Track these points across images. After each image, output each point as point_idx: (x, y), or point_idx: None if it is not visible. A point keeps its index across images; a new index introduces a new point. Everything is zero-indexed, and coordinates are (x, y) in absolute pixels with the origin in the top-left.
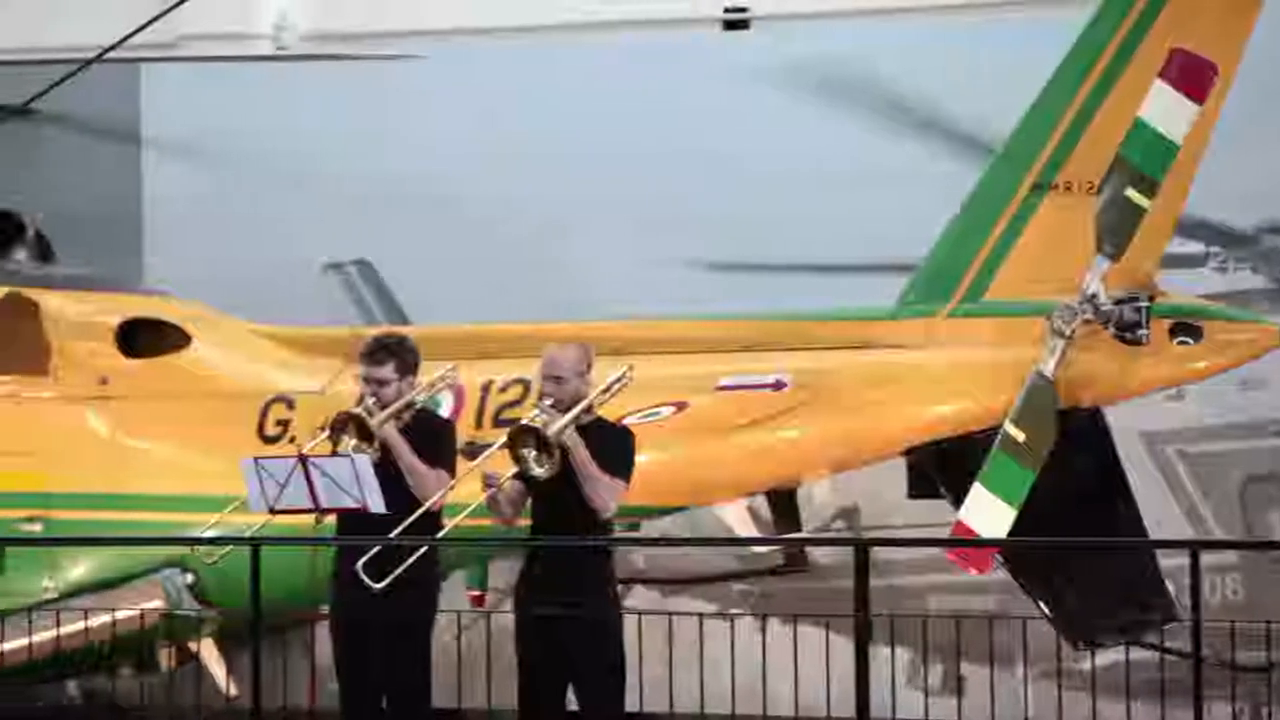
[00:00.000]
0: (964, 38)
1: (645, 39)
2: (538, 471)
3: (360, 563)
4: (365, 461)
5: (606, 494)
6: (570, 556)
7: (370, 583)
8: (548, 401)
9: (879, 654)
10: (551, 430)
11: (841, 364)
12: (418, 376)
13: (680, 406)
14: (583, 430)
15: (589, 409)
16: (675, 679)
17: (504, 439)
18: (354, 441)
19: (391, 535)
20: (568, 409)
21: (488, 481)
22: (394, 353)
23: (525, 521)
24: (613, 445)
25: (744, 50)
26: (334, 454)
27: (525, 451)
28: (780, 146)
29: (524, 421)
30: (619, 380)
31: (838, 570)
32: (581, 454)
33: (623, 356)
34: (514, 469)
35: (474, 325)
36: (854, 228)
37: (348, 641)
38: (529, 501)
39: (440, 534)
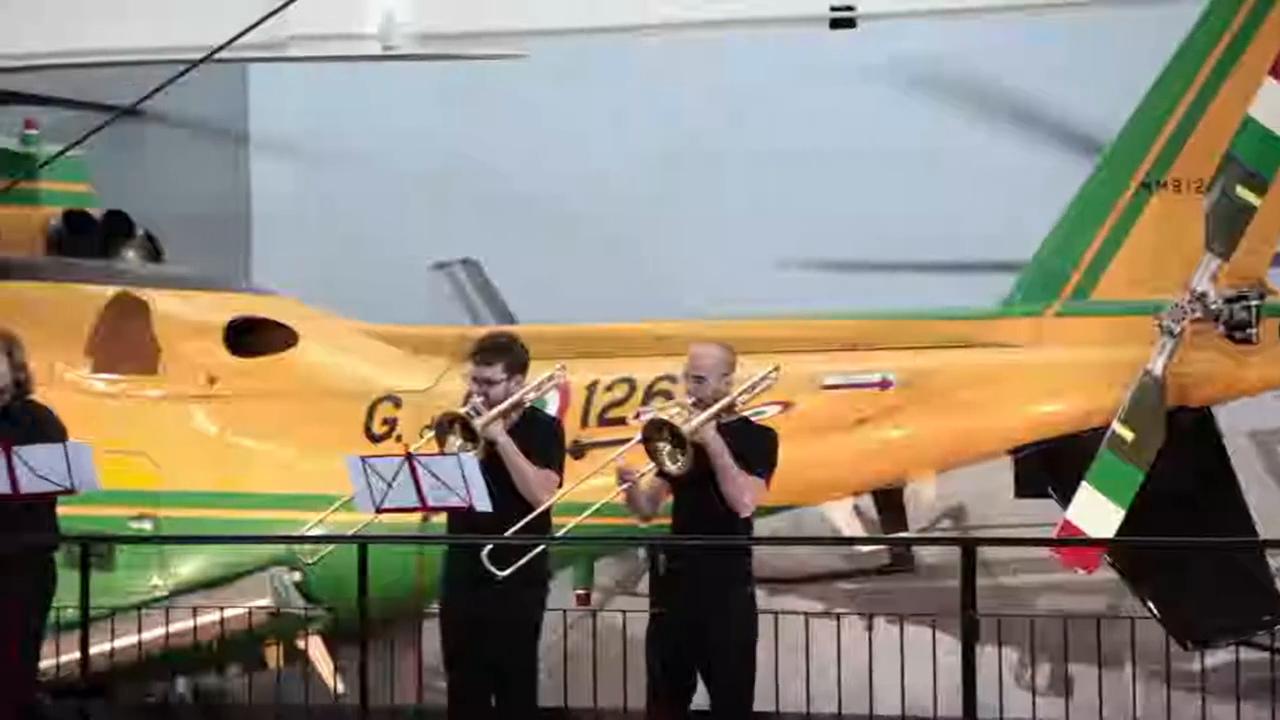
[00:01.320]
0: (1069, 35)
1: (750, 38)
2: (671, 467)
3: (485, 551)
4: (472, 461)
5: (745, 493)
6: (709, 556)
7: (494, 570)
8: (690, 400)
9: (986, 654)
10: (688, 427)
11: (948, 363)
12: (526, 376)
13: (786, 406)
14: (725, 429)
15: (731, 407)
16: (781, 678)
17: (640, 433)
18: (460, 442)
19: (508, 534)
20: (708, 407)
21: (623, 477)
22: (503, 352)
23: (661, 520)
24: (754, 444)
25: (850, 49)
26: (441, 453)
27: (660, 446)
28: (885, 145)
29: (660, 416)
30: (763, 379)
31: (944, 570)
32: (721, 452)
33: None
34: (650, 466)
35: (579, 324)
36: (958, 226)
37: (458, 640)
38: (669, 499)
39: (559, 533)
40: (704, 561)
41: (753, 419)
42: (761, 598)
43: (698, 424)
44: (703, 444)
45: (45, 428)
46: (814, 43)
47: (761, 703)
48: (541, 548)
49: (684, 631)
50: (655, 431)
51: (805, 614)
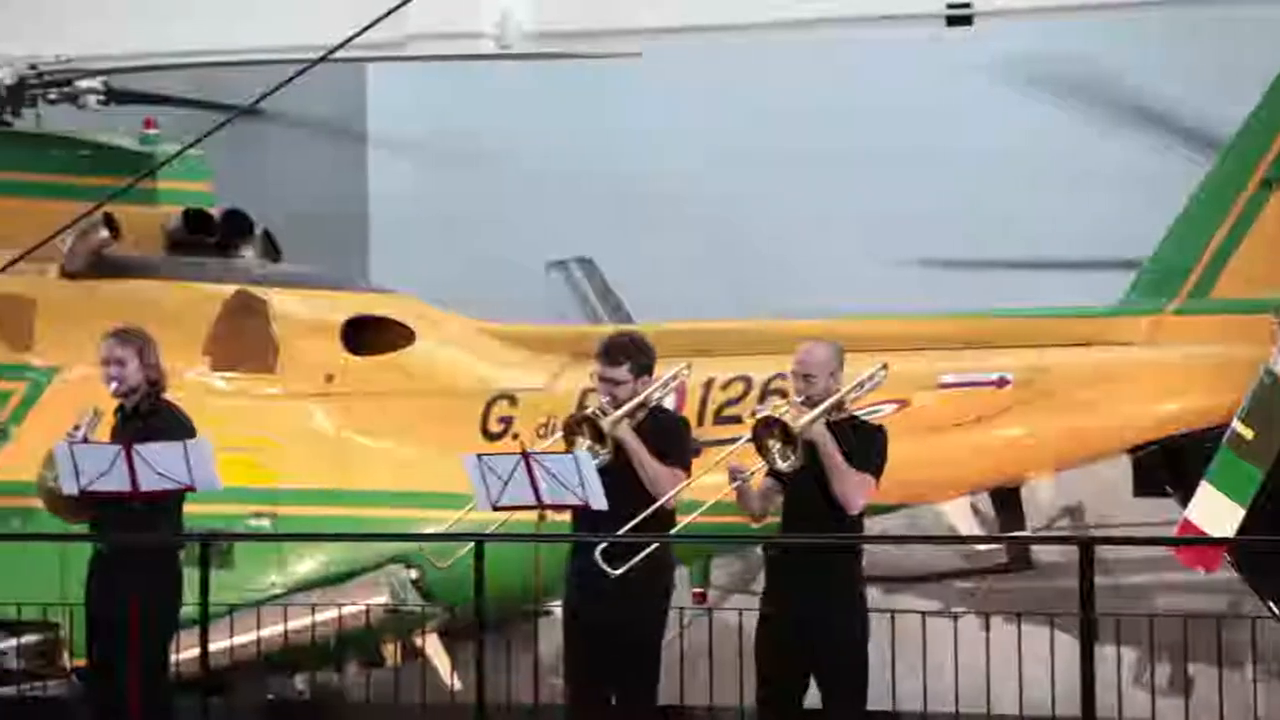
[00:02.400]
0: (1188, 33)
1: (867, 35)
2: (781, 465)
3: (599, 549)
4: (588, 459)
5: (855, 491)
6: (820, 554)
7: (607, 568)
8: (799, 398)
9: (1104, 653)
10: (797, 425)
11: (1065, 361)
12: (653, 376)
13: (902, 404)
14: (834, 427)
15: (840, 406)
16: (898, 677)
17: (750, 431)
18: (588, 443)
19: (621, 532)
20: (816, 405)
21: (734, 475)
22: (629, 352)
23: (771, 519)
24: (862, 442)
25: (967, 46)
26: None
27: (770, 444)
28: (1002, 143)
29: (769, 414)
30: (871, 378)
31: (1062, 569)
32: (830, 450)
33: (845, 353)
34: (761, 464)
35: (695, 323)
36: (1076, 224)
37: (579, 638)
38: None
39: (669, 531)
40: (814, 560)
41: (862, 417)
42: (878, 596)
43: (807, 422)
44: (812, 442)
45: (175, 428)
46: (930, 40)
47: (877, 702)
48: (654, 545)
49: (794, 630)
50: (765, 430)
51: (922, 613)
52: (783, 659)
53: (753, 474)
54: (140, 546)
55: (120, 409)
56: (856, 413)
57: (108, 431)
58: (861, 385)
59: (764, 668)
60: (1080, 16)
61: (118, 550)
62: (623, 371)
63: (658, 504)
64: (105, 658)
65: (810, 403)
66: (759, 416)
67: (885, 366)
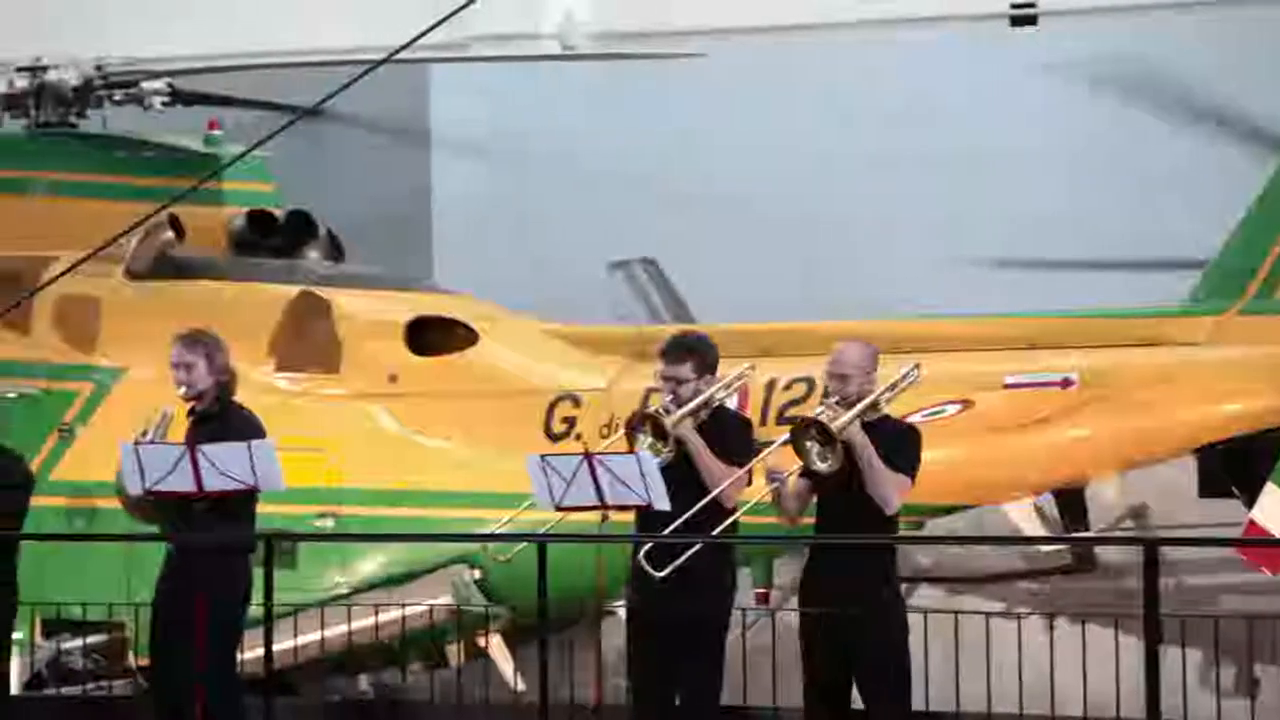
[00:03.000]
0: (1254, 32)
1: (931, 35)
2: (820, 467)
3: (642, 552)
4: (651, 460)
5: (891, 490)
6: (854, 553)
7: (652, 571)
8: (833, 399)
9: (1169, 654)
10: (836, 425)
11: (1130, 362)
12: (716, 375)
13: (966, 404)
14: (868, 427)
15: (875, 406)
16: (962, 678)
17: (787, 434)
18: (650, 440)
19: (667, 531)
20: (852, 406)
21: (771, 477)
22: (692, 351)
23: (808, 520)
24: (898, 442)
25: (1031, 46)
26: (631, 450)
27: (809, 446)
28: (1067, 143)
29: (808, 415)
30: (905, 378)
31: (1126, 570)
32: (867, 450)
33: (908, 355)
34: (797, 465)
35: (758, 323)
36: (1141, 225)
37: (642, 638)
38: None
39: (734, 531)
40: (851, 560)
41: (893, 417)
42: (942, 597)
43: (845, 422)
44: (849, 443)
45: (245, 430)
46: (994, 40)
47: (941, 703)
48: (697, 547)
49: (832, 631)
50: (803, 431)
51: (986, 614)
52: (822, 660)
53: (790, 475)
54: (208, 547)
55: (192, 411)
56: (919, 412)
57: (181, 434)
58: (895, 386)
59: (809, 668)
60: (1145, 16)
61: (187, 551)
62: (685, 370)
63: (704, 500)
64: (170, 658)
65: (845, 403)
66: (799, 418)
67: (918, 366)
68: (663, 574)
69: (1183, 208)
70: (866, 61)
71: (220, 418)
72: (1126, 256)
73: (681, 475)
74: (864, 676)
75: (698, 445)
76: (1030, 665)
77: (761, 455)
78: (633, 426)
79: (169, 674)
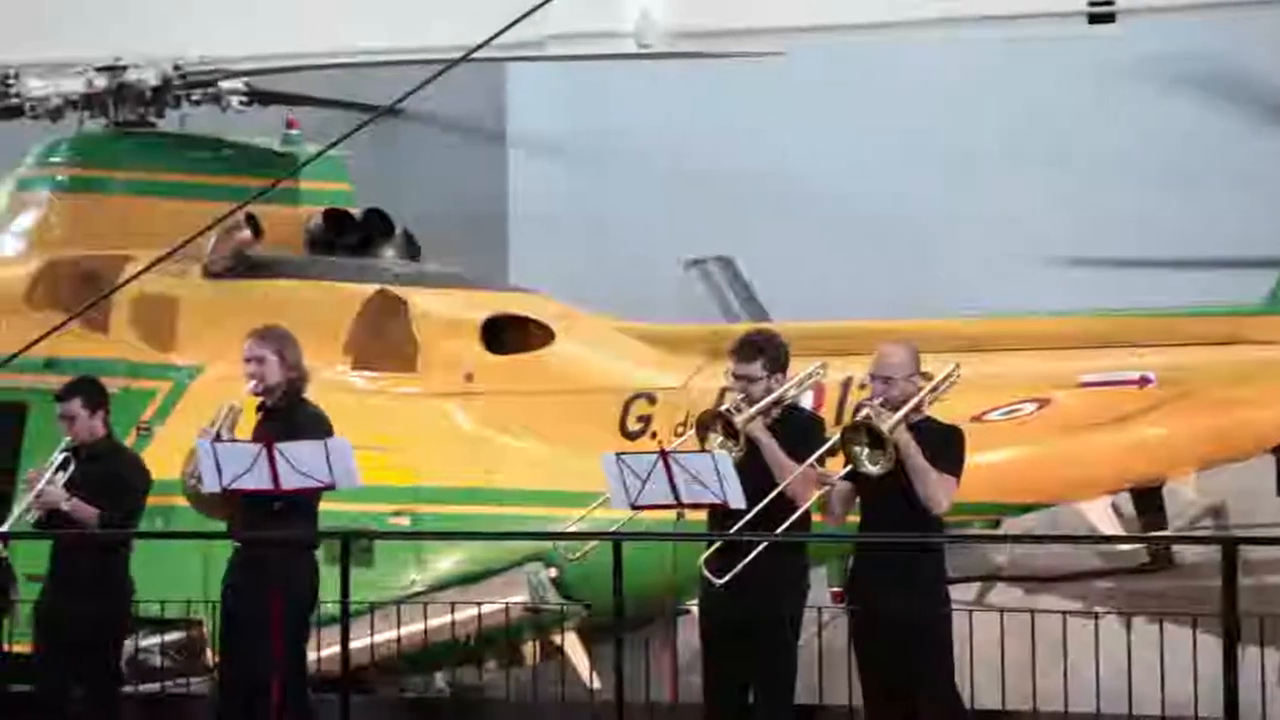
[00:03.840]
0: None
1: (1008, 33)
2: (871, 469)
3: (703, 558)
4: (726, 458)
5: (940, 491)
6: (904, 555)
7: (712, 578)
8: (877, 401)
9: (1247, 654)
10: (885, 427)
11: (1209, 360)
12: (787, 373)
13: (1043, 403)
14: (913, 429)
15: (919, 407)
16: (1038, 677)
17: (836, 437)
18: (720, 438)
19: (731, 530)
20: (897, 408)
21: (822, 480)
22: (762, 349)
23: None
24: (942, 443)
25: (1109, 43)
26: (703, 449)
27: (858, 450)
28: (1143, 141)
29: (858, 418)
30: (946, 379)
31: (1204, 569)
32: (913, 451)
33: (984, 353)
34: (844, 468)
35: (833, 321)
36: (1220, 223)
37: (715, 637)
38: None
39: (779, 530)
40: (900, 562)
41: (935, 418)
42: (1018, 596)
43: (894, 424)
44: (895, 444)
45: (314, 427)
46: (1072, 38)
47: (1017, 701)
48: (762, 547)
49: (881, 632)
50: (853, 434)
51: (1063, 613)
52: (874, 659)
53: (840, 478)
54: (279, 544)
55: (261, 407)
56: (995, 411)
57: (248, 430)
58: (938, 386)
59: (862, 668)
60: (1224, 13)
61: (258, 548)
62: (756, 368)
63: (763, 502)
64: (240, 655)
65: (889, 405)
66: (849, 423)
67: (958, 366)
68: (722, 581)
69: (1260, 206)
70: (944, 59)
71: (289, 414)
72: (1202, 255)
73: (752, 473)
74: (914, 677)
75: (769, 443)
76: (1107, 664)
77: (810, 459)
78: (704, 425)
79: (240, 671)
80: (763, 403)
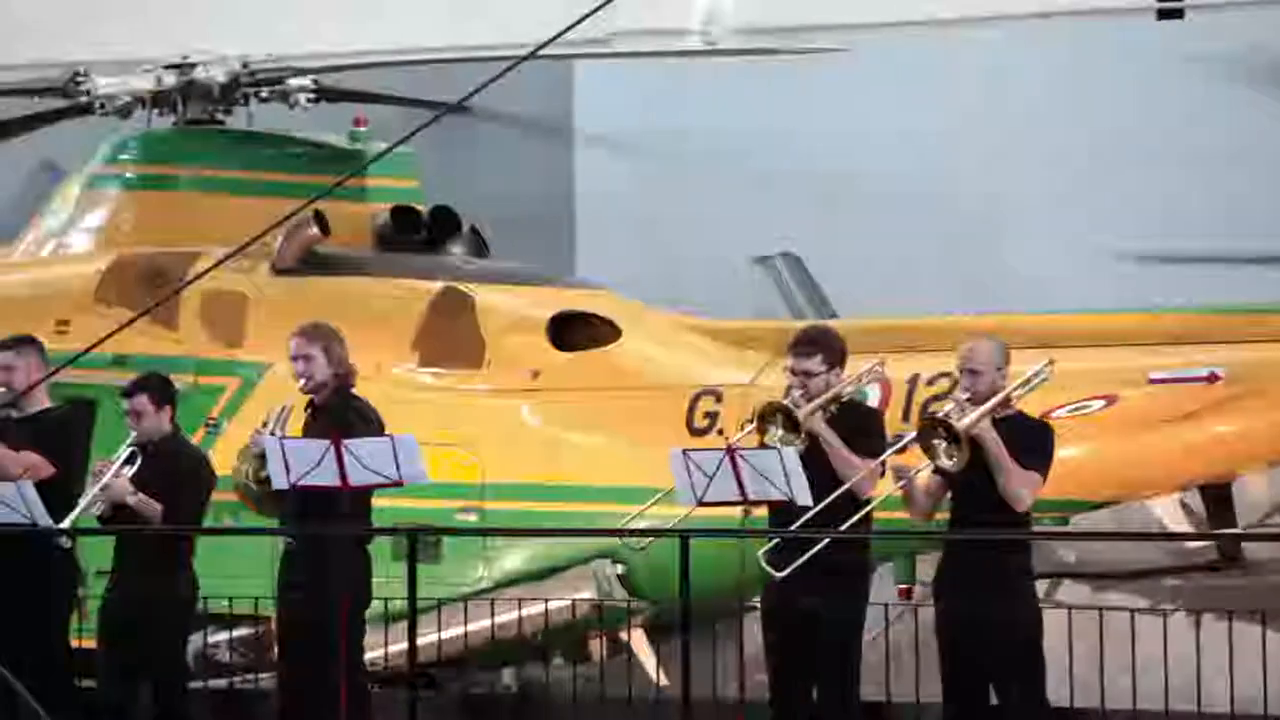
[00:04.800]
0: None
1: (1077, 28)
2: (947, 464)
3: (763, 551)
4: (793, 454)
5: (1022, 488)
6: (990, 550)
7: (772, 571)
8: (964, 395)
9: None
10: (963, 423)
11: (1277, 357)
12: (845, 369)
13: (1110, 400)
14: (1001, 424)
15: (1006, 403)
16: (1107, 675)
17: (915, 432)
18: (780, 432)
19: (793, 527)
20: (983, 402)
21: (899, 474)
22: (821, 345)
23: (942, 516)
24: (1030, 439)
25: (1178, 39)
26: (761, 445)
27: (936, 444)
28: (1214, 137)
29: (935, 413)
30: (1038, 375)
31: (1274, 566)
32: (997, 447)
33: (1052, 349)
34: (925, 463)
35: (900, 318)
36: None
37: (777, 632)
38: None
39: (864, 530)
40: (986, 558)
41: (1026, 414)
42: (1086, 593)
43: (973, 420)
44: (979, 440)
45: (362, 423)
46: (1140, 32)
47: (1086, 699)
48: (826, 542)
49: (968, 629)
50: (930, 428)
51: (1131, 610)
52: (958, 656)
53: (917, 473)
54: (342, 541)
55: (310, 404)
56: (1064, 408)
57: (298, 427)
58: (1029, 382)
59: (945, 665)
60: None
61: (309, 545)
62: (815, 363)
63: (834, 495)
64: (302, 652)
65: (975, 400)
66: (925, 416)
67: (1051, 363)
68: (783, 573)
69: None
70: (1013, 55)
71: (337, 410)
72: (1269, 251)
73: (811, 468)
74: (1000, 675)
75: (831, 438)
76: (1176, 662)
77: (888, 453)
78: (764, 418)
79: (301, 668)
80: (824, 396)
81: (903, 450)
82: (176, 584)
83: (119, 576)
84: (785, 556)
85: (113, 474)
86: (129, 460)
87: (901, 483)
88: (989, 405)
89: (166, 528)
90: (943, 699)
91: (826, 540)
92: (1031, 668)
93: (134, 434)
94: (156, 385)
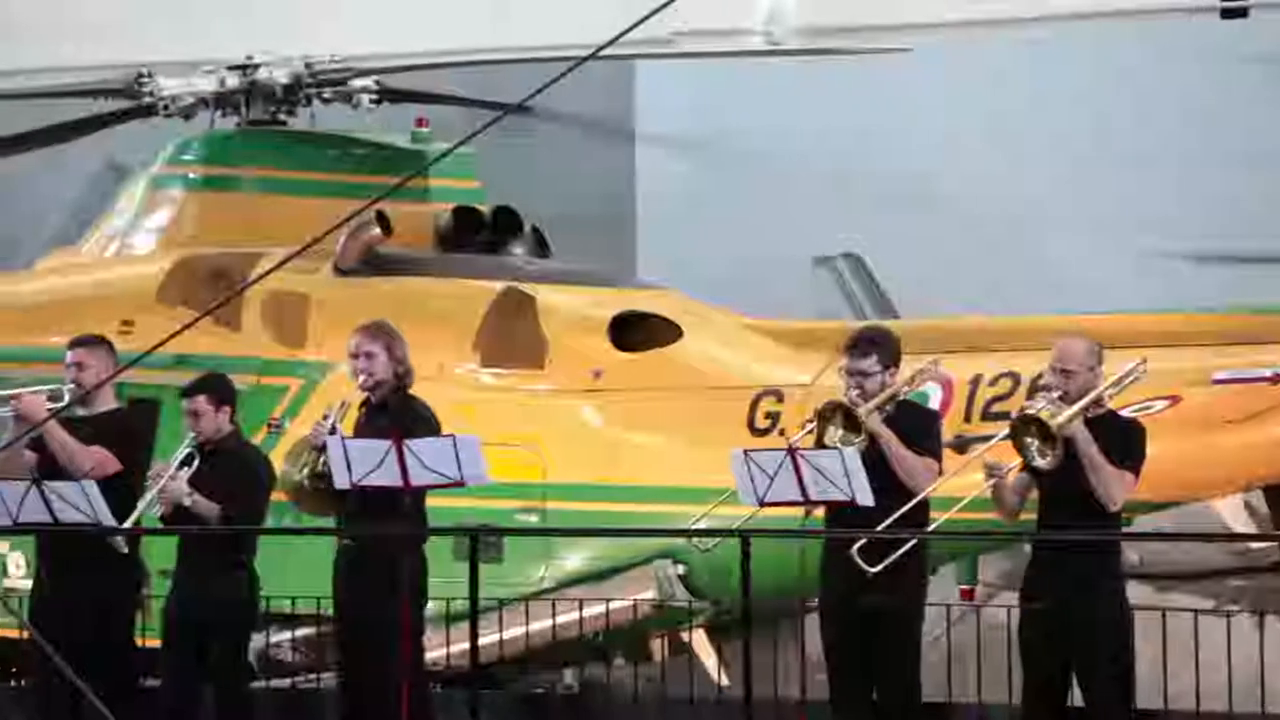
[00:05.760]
0: None
1: (1138, 28)
2: (1040, 462)
3: (855, 548)
4: (854, 455)
5: (1114, 487)
6: (1078, 550)
7: (865, 565)
8: (1055, 393)
9: None
10: (1056, 421)
11: None
12: (900, 369)
13: (1174, 400)
14: (1091, 423)
15: (1098, 402)
16: (1170, 675)
17: (1007, 428)
18: (840, 432)
19: (879, 529)
20: (1075, 401)
21: (991, 471)
22: (876, 345)
23: (1029, 515)
24: (1122, 438)
25: (1239, 38)
26: (820, 444)
27: (1028, 441)
28: (1276, 137)
29: (1028, 410)
30: (1130, 374)
31: None
32: (1089, 447)
33: (1114, 350)
34: (1018, 460)
35: (962, 318)
36: None
37: (836, 632)
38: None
39: (929, 527)
40: (1074, 557)
41: (1119, 413)
42: (1149, 594)
43: (1065, 418)
44: (1070, 438)
45: (421, 423)
46: (1203, 32)
47: (1149, 699)
48: (913, 544)
49: (1055, 628)
50: (1023, 426)
51: (1194, 611)
52: (1043, 656)
53: (1008, 470)
54: (402, 542)
55: (366, 403)
56: (1126, 409)
57: (351, 426)
58: (1120, 381)
59: (1029, 665)
60: None
61: (371, 546)
62: (871, 363)
63: (918, 498)
64: (365, 653)
65: (1068, 398)
66: (1017, 413)
67: (1144, 361)
68: (876, 569)
69: None
70: (1074, 54)
71: (397, 410)
72: None
73: (869, 469)
74: (1087, 675)
75: (890, 438)
76: (1239, 662)
77: (982, 449)
78: (823, 417)
79: (361, 669)
80: (882, 395)
81: (980, 447)
82: (235, 585)
83: (179, 577)
84: (870, 555)
85: (169, 475)
86: (186, 461)
87: (992, 480)
88: (1082, 404)
89: (224, 528)
90: (1022, 701)
91: (913, 541)
92: (1118, 670)
93: (192, 435)
94: (215, 385)
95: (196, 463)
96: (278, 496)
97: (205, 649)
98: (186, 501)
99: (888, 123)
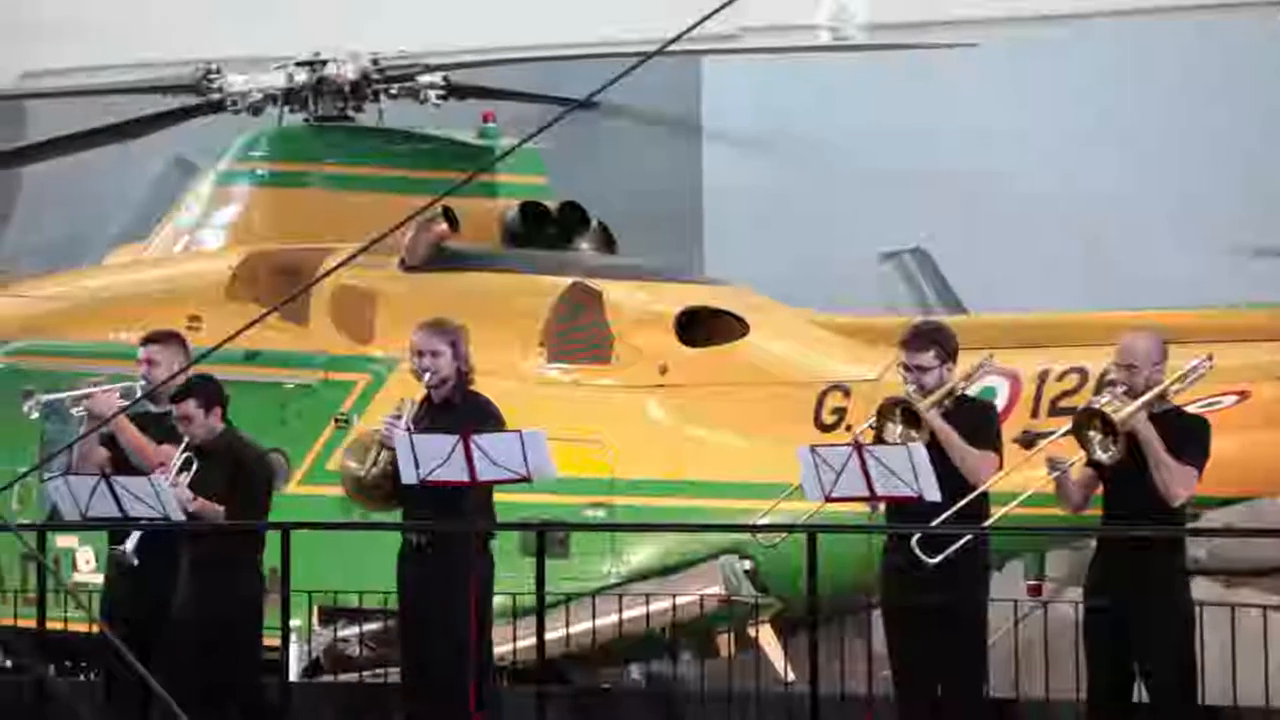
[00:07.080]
0: None
1: (1199, 23)
2: (1102, 457)
3: (915, 539)
4: (921, 451)
5: (1177, 484)
6: (1141, 547)
7: (925, 558)
8: (1120, 389)
9: None
10: (1119, 416)
11: None
12: (957, 363)
13: (1243, 395)
14: (1156, 418)
15: (1163, 397)
16: (1239, 672)
17: (1070, 423)
18: (900, 427)
19: (936, 523)
20: (1138, 397)
21: (1053, 466)
22: (933, 339)
23: (1094, 511)
24: (1186, 434)
25: None
26: (879, 439)
27: (1091, 435)
28: None
29: (1092, 405)
30: (1195, 369)
31: None
32: (1153, 442)
33: (1182, 345)
34: (1081, 455)
35: (1030, 314)
36: None
37: (898, 628)
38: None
39: (989, 521)
40: (1137, 553)
41: (1185, 408)
42: (1218, 590)
43: (1129, 413)
44: (1134, 433)
45: (486, 420)
46: (1266, 28)
47: (1217, 697)
48: (968, 539)
49: (1118, 624)
50: (1086, 420)
51: (1264, 607)
52: (1107, 653)
53: (1071, 465)
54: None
55: (426, 399)
56: (1195, 403)
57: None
58: (1185, 377)
59: (1093, 662)
60: None
61: (434, 542)
62: (928, 358)
63: (977, 491)
64: (433, 648)
65: (1132, 394)
66: (1081, 407)
67: (1210, 358)
68: (935, 560)
69: None
70: (1138, 50)
71: (462, 407)
72: None
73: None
74: (1151, 672)
75: (950, 433)
76: None
77: (1043, 444)
78: (883, 413)
79: (425, 664)
80: (940, 391)
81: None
82: (239, 582)
83: (185, 575)
84: (932, 548)
85: (170, 482)
86: (184, 466)
87: (1055, 474)
88: (1146, 398)
89: (268, 524)
90: (1088, 698)
91: (971, 535)
92: (1181, 666)
93: (186, 439)
94: (201, 389)
95: (195, 466)
96: (335, 490)
97: (214, 646)
98: (190, 507)
99: (954, 119)
